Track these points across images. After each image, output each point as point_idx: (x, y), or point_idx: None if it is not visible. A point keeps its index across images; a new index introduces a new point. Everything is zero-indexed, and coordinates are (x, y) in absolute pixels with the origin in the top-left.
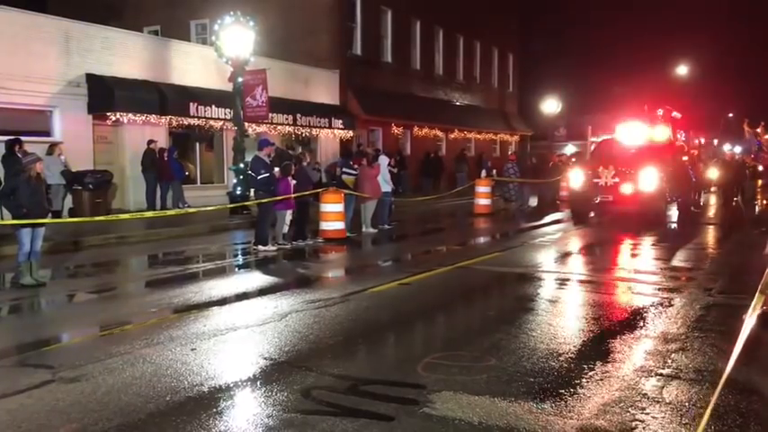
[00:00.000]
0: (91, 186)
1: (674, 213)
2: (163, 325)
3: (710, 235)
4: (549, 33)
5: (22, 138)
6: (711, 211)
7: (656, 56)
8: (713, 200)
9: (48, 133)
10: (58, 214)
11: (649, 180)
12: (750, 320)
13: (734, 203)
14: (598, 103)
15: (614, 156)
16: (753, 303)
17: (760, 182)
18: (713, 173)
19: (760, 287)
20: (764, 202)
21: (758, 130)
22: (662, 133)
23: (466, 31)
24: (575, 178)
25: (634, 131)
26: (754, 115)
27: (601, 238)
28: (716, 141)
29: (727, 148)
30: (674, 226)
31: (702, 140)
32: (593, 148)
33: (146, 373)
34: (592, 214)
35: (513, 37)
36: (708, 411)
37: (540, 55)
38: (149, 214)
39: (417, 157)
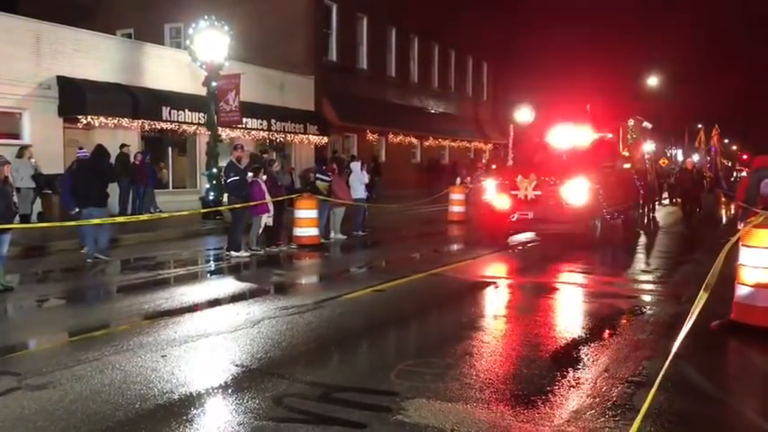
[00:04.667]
0: (61, 190)
1: (614, 232)
2: (133, 331)
3: (678, 244)
4: (524, 42)
5: None
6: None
7: (630, 66)
8: (669, 212)
9: (17, 136)
10: (26, 218)
11: (579, 192)
12: (693, 315)
13: (697, 213)
14: (569, 111)
15: (538, 163)
16: (696, 300)
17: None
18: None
19: (704, 286)
20: (731, 211)
21: (712, 135)
22: (600, 137)
23: (441, 39)
24: (488, 190)
25: (567, 135)
26: (711, 121)
27: (571, 247)
28: (680, 151)
29: (695, 158)
30: (609, 250)
31: (670, 151)
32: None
33: (115, 381)
34: (519, 238)
35: (487, 46)
36: None
37: (515, 64)
38: (121, 219)
39: (392, 163)
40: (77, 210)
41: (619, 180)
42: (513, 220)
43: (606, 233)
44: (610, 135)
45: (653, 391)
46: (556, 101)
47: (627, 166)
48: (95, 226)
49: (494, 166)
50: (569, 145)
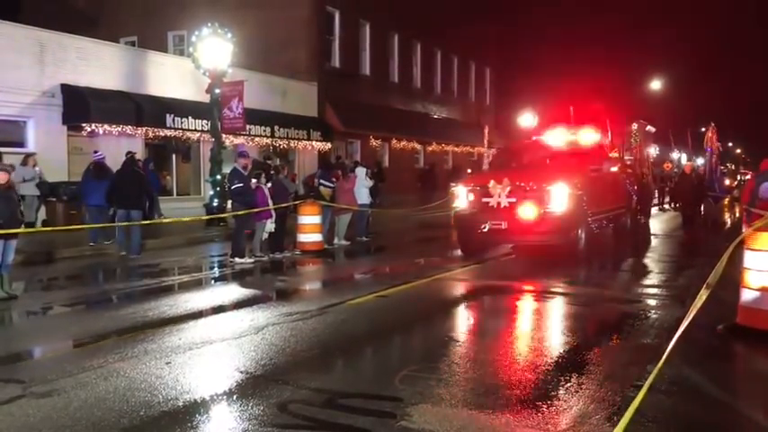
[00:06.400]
0: (65, 198)
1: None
2: (137, 338)
3: (679, 250)
4: (525, 47)
5: None
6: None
7: (630, 68)
8: (670, 217)
9: (22, 144)
10: (31, 226)
11: (558, 199)
12: (691, 314)
13: (698, 218)
14: (552, 112)
15: (514, 167)
16: (698, 296)
17: (727, 199)
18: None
19: (705, 284)
20: (735, 216)
21: (709, 135)
22: (588, 138)
23: (443, 44)
24: (459, 197)
25: (549, 136)
26: (716, 123)
27: (561, 257)
28: (684, 155)
29: (699, 161)
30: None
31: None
32: (490, 158)
33: (119, 388)
34: (507, 247)
35: (490, 51)
36: None
37: (517, 69)
38: (125, 225)
39: (395, 169)
40: (112, 211)
41: (607, 185)
42: (485, 230)
43: (595, 242)
44: (596, 136)
45: (643, 391)
46: (541, 102)
47: (614, 169)
48: (126, 228)
49: (469, 171)
50: (550, 147)
